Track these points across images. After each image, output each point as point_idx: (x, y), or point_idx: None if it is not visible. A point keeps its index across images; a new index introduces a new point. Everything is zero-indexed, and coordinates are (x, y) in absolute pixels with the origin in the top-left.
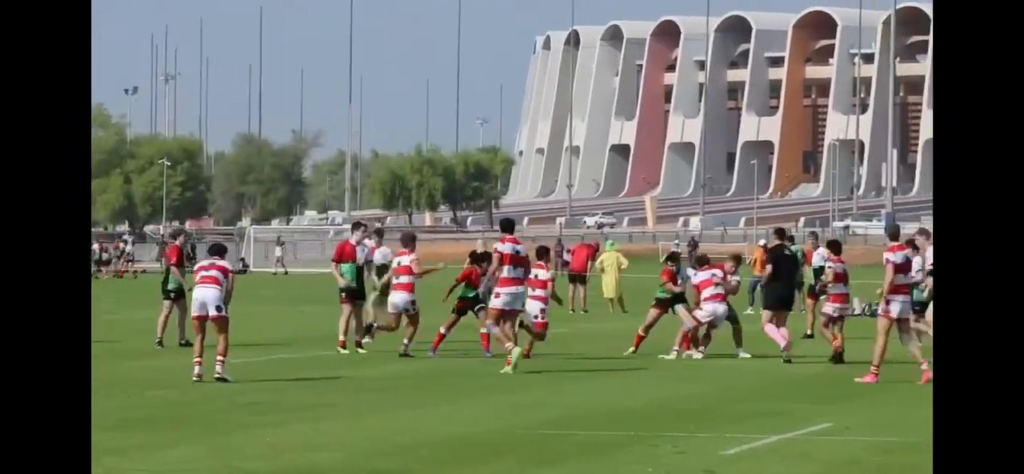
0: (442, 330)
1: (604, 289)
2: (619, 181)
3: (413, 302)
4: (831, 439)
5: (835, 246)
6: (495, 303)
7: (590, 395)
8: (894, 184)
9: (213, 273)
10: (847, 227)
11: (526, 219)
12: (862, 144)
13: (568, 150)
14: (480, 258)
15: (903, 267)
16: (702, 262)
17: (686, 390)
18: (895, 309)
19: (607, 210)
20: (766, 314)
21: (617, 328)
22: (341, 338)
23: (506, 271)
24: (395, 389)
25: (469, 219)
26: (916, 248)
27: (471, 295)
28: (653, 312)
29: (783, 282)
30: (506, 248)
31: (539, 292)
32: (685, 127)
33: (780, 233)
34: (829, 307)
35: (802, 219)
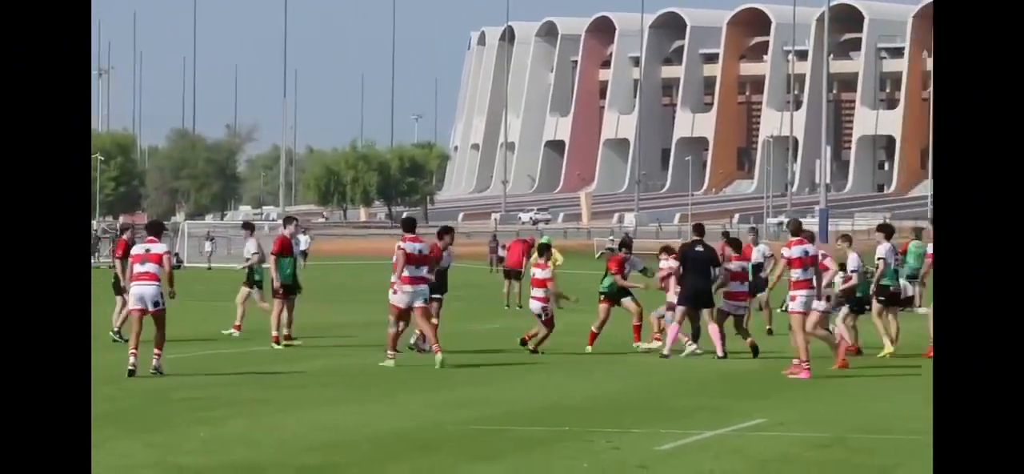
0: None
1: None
2: (554, 177)
3: (544, 308)
4: (765, 435)
5: (735, 244)
6: (395, 300)
7: (525, 391)
8: (828, 181)
9: (149, 268)
10: (781, 223)
11: (461, 215)
12: (796, 141)
13: (503, 146)
14: (443, 232)
15: (801, 262)
16: (669, 252)
17: (621, 386)
18: (799, 305)
19: (542, 206)
20: (679, 311)
21: (576, 322)
22: (274, 333)
23: (407, 270)
24: (329, 385)
25: (404, 215)
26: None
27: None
28: (602, 307)
29: (693, 279)
30: (409, 246)
31: (539, 292)
32: (620, 123)
33: (697, 230)
34: (725, 305)
35: (737, 215)
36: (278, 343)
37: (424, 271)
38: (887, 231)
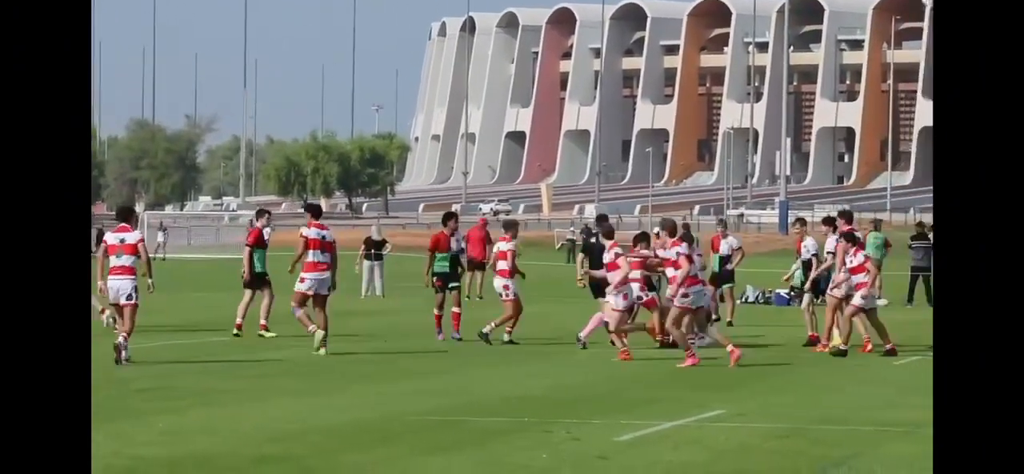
0: (436, 311)
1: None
2: (515, 168)
3: (506, 287)
4: (724, 425)
5: (643, 238)
6: (300, 287)
7: (484, 382)
8: (788, 172)
9: (124, 260)
10: (741, 215)
11: (422, 206)
12: (756, 132)
13: (464, 137)
14: (447, 217)
15: (689, 258)
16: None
17: (580, 377)
18: (691, 300)
19: (503, 197)
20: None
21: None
22: (239, 321)
23: (312, 255)
24: (288, 375)
25: (364, 205)
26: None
27: (446, 270)
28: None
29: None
30: (311, 233)
31: (503, 265)
32: (581, 115)
33: (601, 220)
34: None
35: (697, 207)
36: (239, 332)
37: (328, 257)
38: (833, 223)
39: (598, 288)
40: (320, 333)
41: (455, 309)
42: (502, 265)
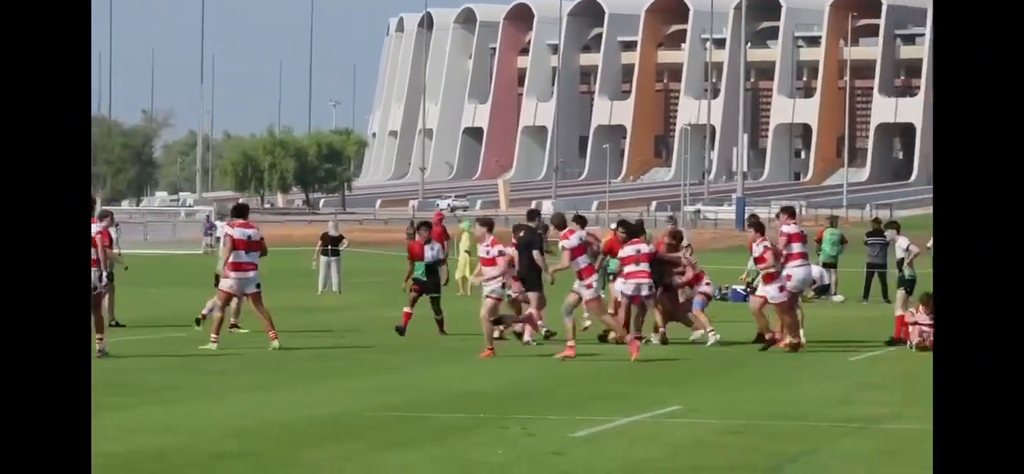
0: (407, 309)
1: (461, 269)
2: (472, 164)
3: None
4: (679, 421)
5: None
6: (224, 285)
7: (440, 378)
8: (745, 169)
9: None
10: (698, 211)
11: (379, 202)
12: (713, 129)
13: (421, 133)
14: (421, 226)
15: (578, 250)
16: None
17: (535, 372)
18: (587, 292)
19: (460, 193)
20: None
21: (466, 310)
22: (203, 313)
23: (234, 256)
24: (244, 372)
25: (321, 201)
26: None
27: (424, 278)
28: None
29: (525, 265)
30: (237, 233)
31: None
32: (538, 111)
33: (531, 216)
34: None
35: (654, 203)
36: (199, 323)
37: (254, 257)
38: (791, 212)
39: (531, 281)
40: (275, 343)
41: (437, 317)
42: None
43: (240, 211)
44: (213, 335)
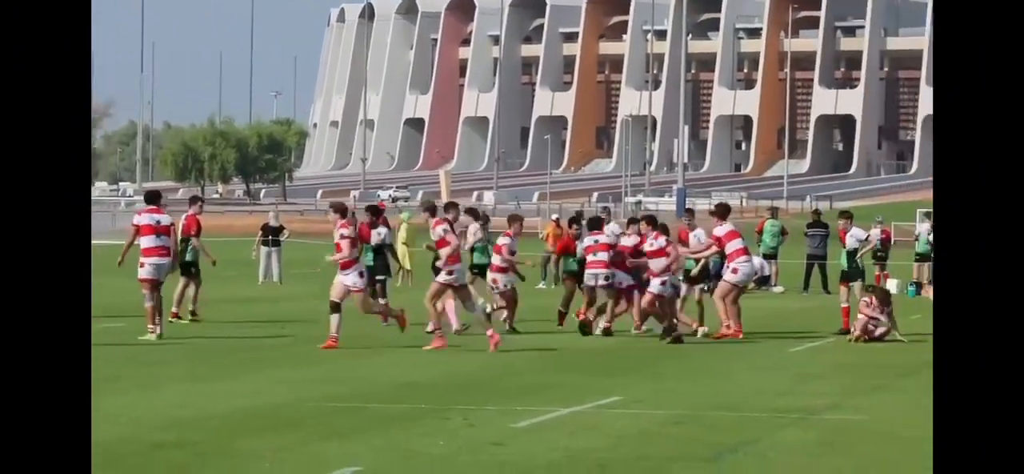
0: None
1: (401, 260)
2: (413, 155)
3: (495, 281)
4: (621, 412)
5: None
6: (142, 273)
7: (381, 369)
8: (685, 160)
9: None
10: (639, 202)
11: (320, 192)
12: (655, 120)
13: (362, 123)
14: (368, 210)
15: (441, 243)
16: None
17: (476, 363)
18: (445, 276)
19: (401, 184)
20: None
21: (407, 301)
22: (174, 310)
23: (146, 241)
24: (184, 362)
25: (262, 192)
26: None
27: (371, 263)
28: (568, 285)
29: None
30: (144, 219)
31: (496, 260)
32: (479, 101)
33: (449, 206)
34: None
35: (595, 194)
36: (179, 319)
37: (165, 241)
38: (722, 214)
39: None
40: (153, 337)
41: (380, 300)
42: (496, 260)
43: (151, 198)
44: (149, 325)
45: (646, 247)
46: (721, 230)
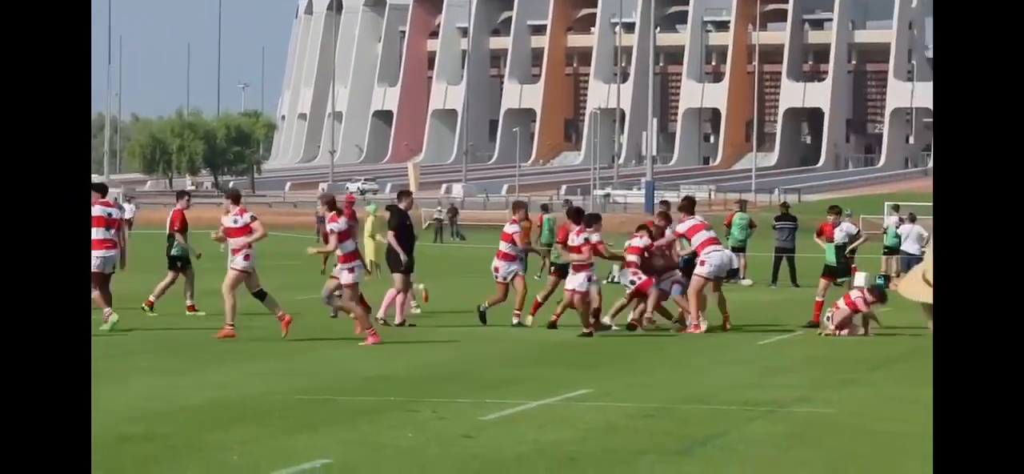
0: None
1: (368, 252)
2: (382, 147)
3: (496, 269)
4: (590, 405)
5: (595, 219)
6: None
7: (349, 361)
8: (654, 153)
9: None
10: (608, 195)
11: (288, 184)
12: (623, 113)
13: (331, 116)
14: (330, 204)
15: (345, 235)
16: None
17: (446, 356)
18: (347, 276)
19: (370, 176)
20: (399, 279)
21: (372, 293)
22: (151, 299)
23: (96, 233)
24: (150, 354)
25: (231, 184)
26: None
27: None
28: (551, 279)
29: (406, 248)
30: (96, 210)
31: (503, 248)
32: (448, 94)
33: (400, 196)
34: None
35: (564, 187)
36: (152, 309)
37: (113, 234)
38: (688, 208)
39: (393, 262)
40: (114, 317)
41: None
42: (503, 247)
43: (99, 189)
44: (105, 310)
45: (570, 242)
46: (684, 226)
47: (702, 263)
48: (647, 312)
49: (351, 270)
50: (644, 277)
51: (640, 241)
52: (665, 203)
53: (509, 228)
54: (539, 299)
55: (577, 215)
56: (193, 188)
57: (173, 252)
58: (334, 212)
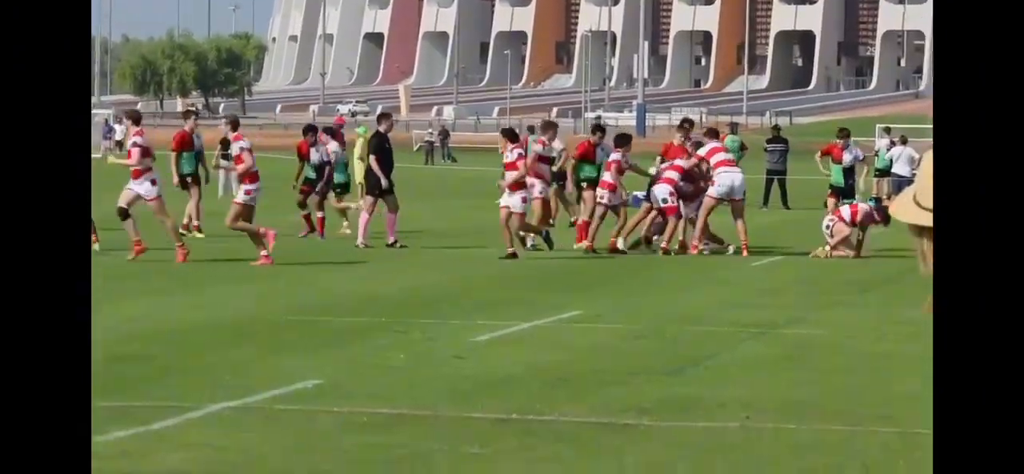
0: (319, 214)
1: (356, 175)
2: (373, 70)
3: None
4: (581, 326)
5: (625, 140)
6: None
7: (340, 282)
8: (645, 76)
9: None
10: (599, 117)
11: (279, 107)
12: (614, 36)
13: (321, 38)
14: (307, 130)
15: (238, 159)
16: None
17: (437, 277)
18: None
19: (361, 99)
20: (368, 201)
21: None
22: (189, 221)
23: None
24: (140, 277)
25: (221, 105)
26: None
27: (311, 177)
28: (587, 195)
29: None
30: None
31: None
32: (439, 16)
33: (381, 118)
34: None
35: (555, 109)
36: (199, 231)
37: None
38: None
39: (371, 184)
40: (96, 246)
41: (318, 214)
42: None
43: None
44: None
45: (506, 159)
46: (704, 149)
47: (712, 182)
48: (695, 240)
49: (248, 192)
50: (675, 201)
51: (685, 162)
52: (689, 121)
53: (536, 148)
54: (582, 220)
55: (511, 135)
56: (196, 109)
57: (185, 169)
58: (236, 132)
